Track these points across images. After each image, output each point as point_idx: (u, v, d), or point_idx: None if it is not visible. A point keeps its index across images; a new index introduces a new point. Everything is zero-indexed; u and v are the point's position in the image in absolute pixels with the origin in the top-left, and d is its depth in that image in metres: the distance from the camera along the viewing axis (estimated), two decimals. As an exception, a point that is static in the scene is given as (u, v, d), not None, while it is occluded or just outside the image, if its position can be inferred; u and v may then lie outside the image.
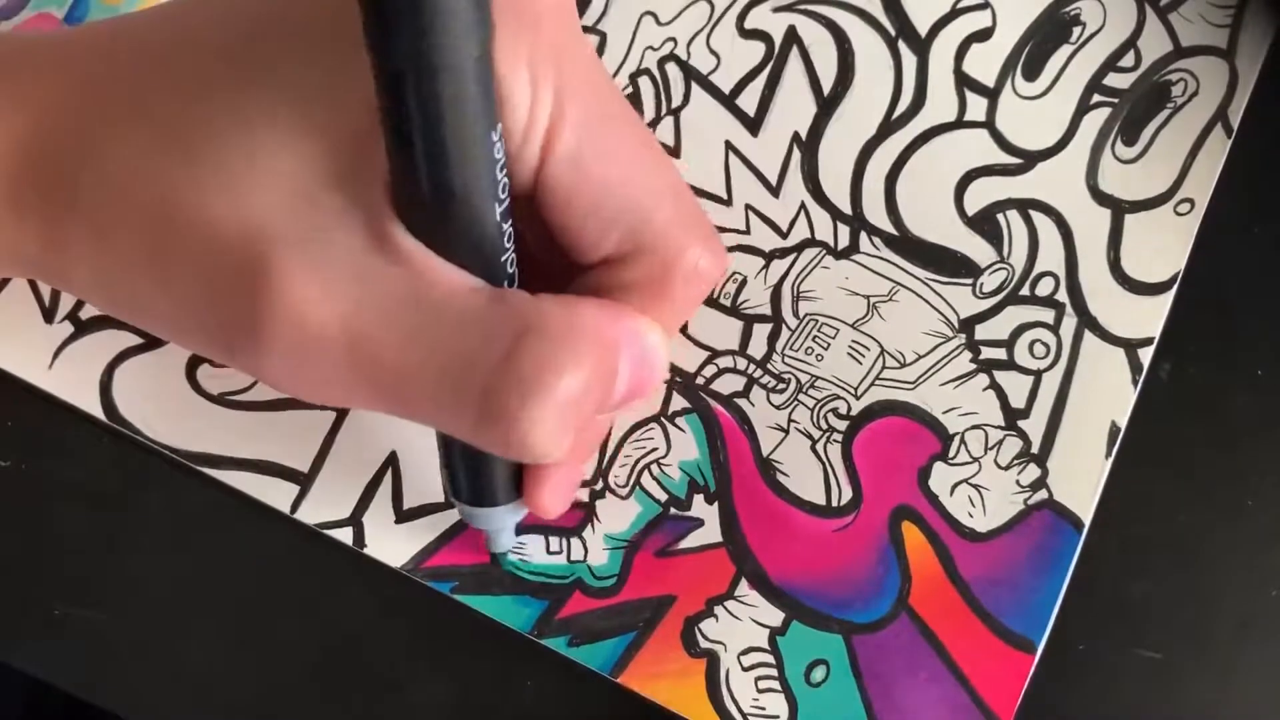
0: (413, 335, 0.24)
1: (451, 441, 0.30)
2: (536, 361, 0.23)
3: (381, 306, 0.24)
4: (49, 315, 0.34)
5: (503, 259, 0.26)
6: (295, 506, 0.34)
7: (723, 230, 0.35)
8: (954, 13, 0.36)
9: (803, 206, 0.35)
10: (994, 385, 0.34)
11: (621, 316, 0.26)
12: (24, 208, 0.26)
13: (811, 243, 0.35)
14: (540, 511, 0.31)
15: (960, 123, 0.36)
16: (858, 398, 0.34)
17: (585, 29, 0.36)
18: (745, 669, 0.33)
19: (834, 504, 0.34)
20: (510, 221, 0.26)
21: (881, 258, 0.35)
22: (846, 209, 0.35)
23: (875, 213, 0.35)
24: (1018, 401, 0.34)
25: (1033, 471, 0.34)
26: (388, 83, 0.23)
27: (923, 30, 0.36)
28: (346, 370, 0.24)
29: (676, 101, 0.36)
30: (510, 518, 0.32)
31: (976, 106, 0.36)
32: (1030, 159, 0.36)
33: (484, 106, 0.24)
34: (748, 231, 0.35)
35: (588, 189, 0.27)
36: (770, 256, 0.35)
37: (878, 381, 0.34)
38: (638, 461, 0.34)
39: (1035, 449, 0.34)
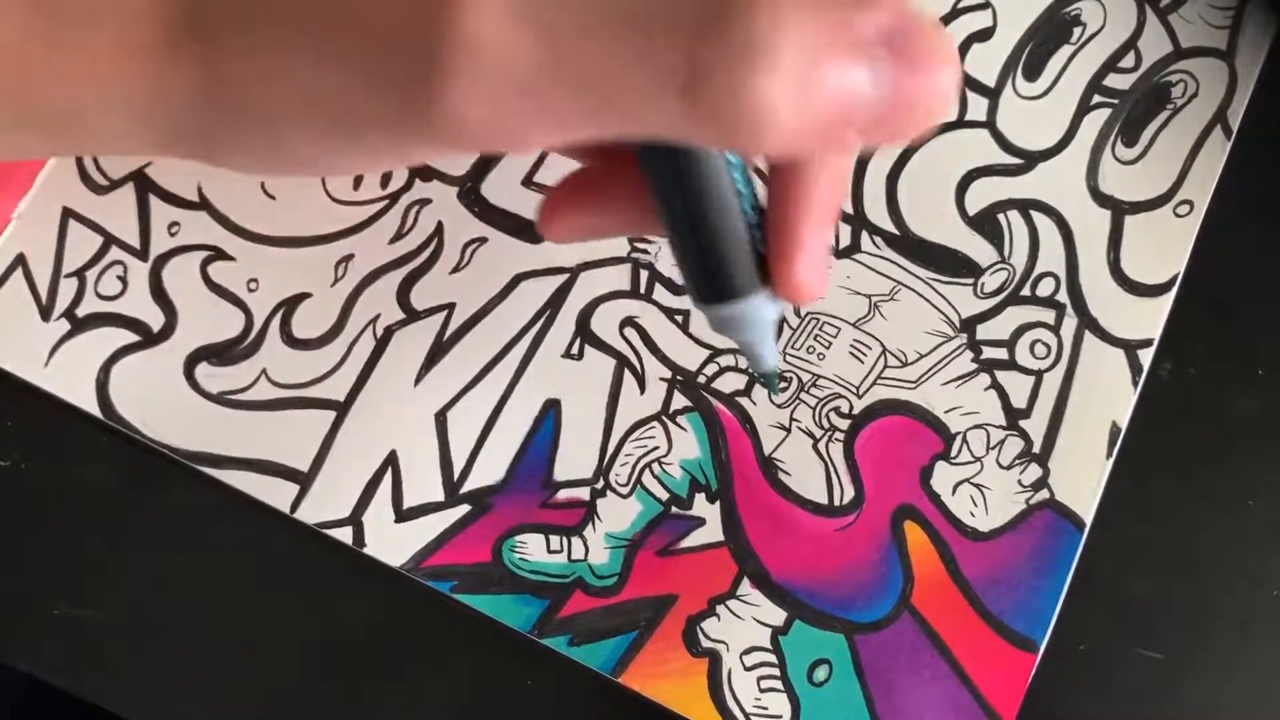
0: (606, 15, 0.21)
1: (677, 232, 0.27)
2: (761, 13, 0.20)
3: (563, 8, 0.21)
4: (45, 313, 0.34)
5: None
6: (295, 506, 0.33)
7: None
8: (955, 12, 0.36)
9: (804, 206, 0.35)
10: (995, 385, 0.34)
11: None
12: (179, 50, 0.26)
13: (813, 242, 0.35)
14: (796, 292, 0.27)
15: (961, 122, 0.36)
16: (859, 397, 0.34)
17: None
18: (747, 668, 0.33)
19: (836, 503, 0.34)
20: None
21: (883, 257, 0.35)
22: (848, 208, 0.35)
23: (877, 212, 0.35)
24: (1019, 401, 0.34)
25: (1034, 471, 0.34)
26: None
27: (924, 30, 0.36)
28: (545, 85, 0.22)
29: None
30: (765, 310, 0.27)
31: (977, 106, 0.36)
32: (1031, 159, 0.36)
33: None
34: (749, 231, 0.35)
35: None
36: (772, 256, 0.35)
37: (879, 381, 0.34)
38: (639, 460, 0.34)
39: (1036, 449, 0.34)
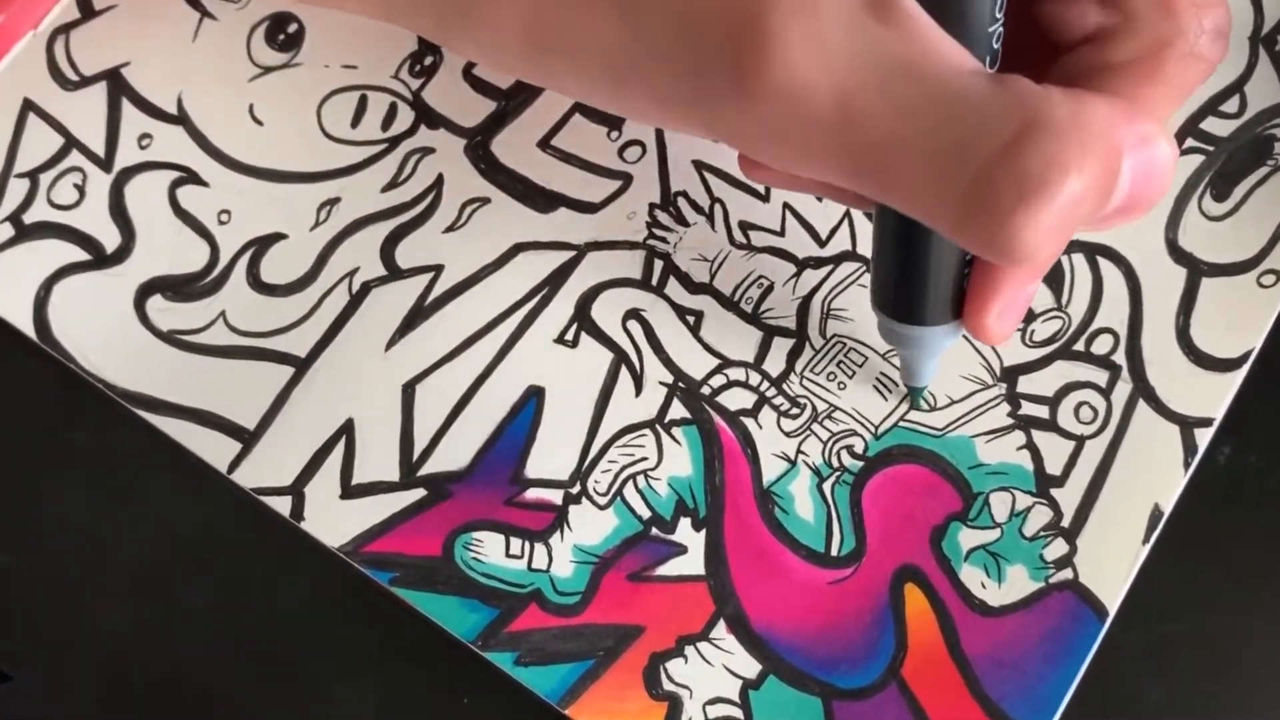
0: (906, 108, 0.22)
1: (889, 243, 0.27)
2: (1043, 157, 0.21)
3: (876, 72, 0.22)
4: (-10, 214, 0.31)
5: (990, 31, 0.24)
6: (234, 466, 0.31)
7: (755, 229, 0.32)
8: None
9: (847, 215, 0.32)
10: (1030, 445, 0.31)
11: (1133, 117, 0.22)
12: None
13: (851, 256, 0.32)
14: (983, 334, 0.27)
15: (1035, 147, 0.32)
16: (877, 437, 0.31)
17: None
18: (709, 721, 0.30)
19: (833, 553, 0.31)
20: None
21: (927, 285, 0.32)
22: (895, 224, 0.32)
23: (926, 233, 0.32)
24: (1054, 467, 0.31)
25: (1060, 547, 0.31)
26: None
27: (1008, 38, 0.33)
28: (830, 135, 0.23)
29: (723, 78, 0.33)
30: (943, 341, 0.28)
31: (1055, 132, 0.32)
32: (1107, 199, 0.32)
33: None
34: (782, 234, 0.32)
35: None
36: (803, 265, 0.32)
37: (902, 422, 0.31)
38: (623, 469, 0.31)
39: (1066, 522, 0.31)
